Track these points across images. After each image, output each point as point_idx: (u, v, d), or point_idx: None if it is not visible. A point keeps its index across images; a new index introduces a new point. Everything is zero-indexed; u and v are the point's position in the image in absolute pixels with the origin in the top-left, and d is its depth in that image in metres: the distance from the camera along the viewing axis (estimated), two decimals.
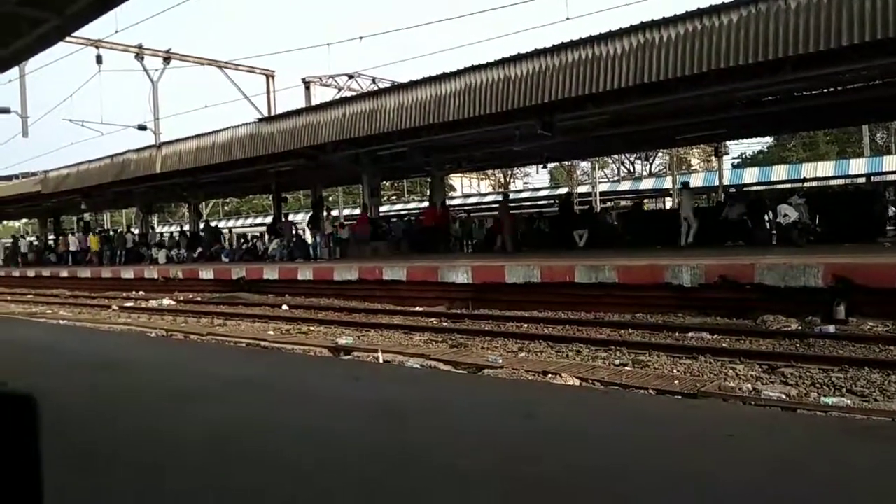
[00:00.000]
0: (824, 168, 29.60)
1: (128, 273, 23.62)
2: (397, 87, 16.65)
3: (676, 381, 6.44)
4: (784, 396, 5.81)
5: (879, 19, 9.45)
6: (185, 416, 3.82)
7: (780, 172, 30.77)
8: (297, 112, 18.94)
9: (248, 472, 2.80)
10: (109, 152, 25.21)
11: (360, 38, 30.87)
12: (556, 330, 10.21)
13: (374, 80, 25.09)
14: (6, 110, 22.14)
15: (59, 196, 29.28)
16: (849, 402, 5.54)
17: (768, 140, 40.91)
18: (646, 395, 5.87)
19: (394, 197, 49.51)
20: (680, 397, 5.77)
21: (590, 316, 11.24)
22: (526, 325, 10.77)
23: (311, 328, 11.71)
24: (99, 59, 21.30)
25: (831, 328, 8.73)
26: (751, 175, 31.96)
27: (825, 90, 14.30)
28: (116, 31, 21.18)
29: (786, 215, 14.35)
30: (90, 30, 22.73)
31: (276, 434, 3.39)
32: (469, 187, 51.18)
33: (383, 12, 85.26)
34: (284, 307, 15.03)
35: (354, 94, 21.87)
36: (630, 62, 11.80)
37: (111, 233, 34.35)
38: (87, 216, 40.95)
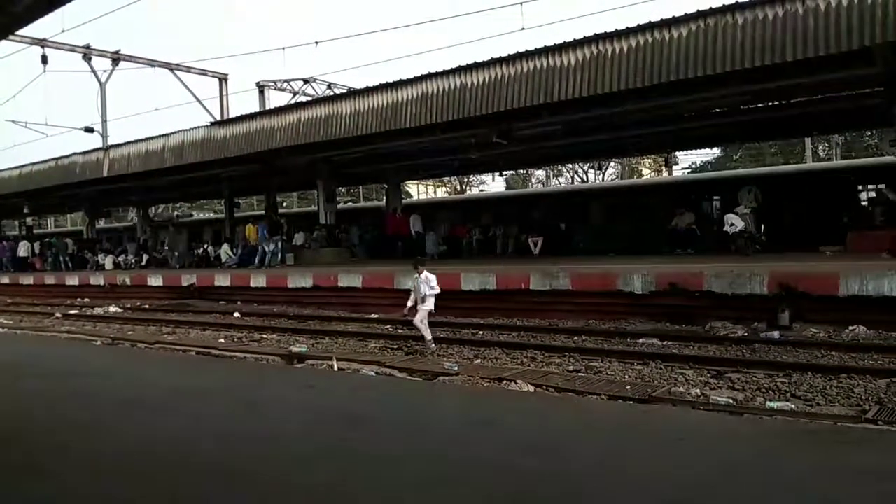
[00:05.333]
0: None
1: (73, 279, 22.89)
2: (353, 93, 16.56)
3: (628, 387, 6.55)
4: (731, 401, 5.96)
5: (822, 37, 9.82)
6: (131, 426, 3.72)
7: None
8: (251, 116, 18.65)
9: (196, 480, 2.74)
10: (55, 155, 24.44)
11: (316, 42, 30.63)
12: (511, 337, 10.28)
13: (329, 86, 24.93)
14: None
15: (1, 199, 28.23)
16: (793, 406, 5.71)
17: (716, 151, 42.01)
18: (598, 400, 5.95)
19: (349, 203, 49.17)
20: (632, 402, 5.86)
21: (544, 322, 11.35)
22: (481, 332, 10.81)
23: (264, 336, 11.53)
24: (44, 59, 20.71)
25: (776, 334, 8.99)
26: None
27: (770, 103, 14.77)
28: (63, 31, 20.55)
29: (732, 224, 14.75)
30: (35, 28, 22.06)
31: (227, 443, 3.32)
32: (425, 194, 51.22)
33: (339, 17, 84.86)
34: (236, 314, 14.77)
35: (310, 98, 21.70)
36: (584, 73, 11.99)
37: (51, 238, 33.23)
38: (30, 220, 39.56)
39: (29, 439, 3.46)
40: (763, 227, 15.84)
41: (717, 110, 15.35)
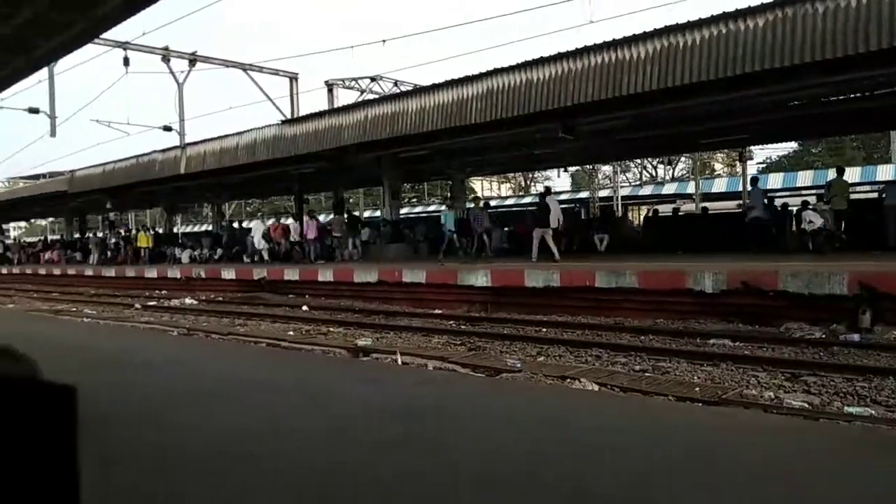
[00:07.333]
0: (851, 174, 29.15)
1: (151, 272, 23.91)
2: (419, 90, 16.70)
3: (697, 388, 6.38)
4: (807, 405, 5.73)
5: None
6: (202, 417, 3.86)
7: (805, 178, 30.40)
8: (320, 114, 19.05)
9: (264, 472, 2.82)
10: (135, 153, 25.57)
11: (384, 41, 30.95)
12: (575, 335, 10.17)
13: (396, 83, 25.18)
14: (35, 110, 22.52)
15: (85, 195, 29.70)
16: (873, 412, 5.45)
17: (793, 145, 40.43)
18: (666, 401, 5.82)
19: (414, 199, 49.62)
20: (700, 404, 5.71)
21: (609, 321, 11.19)
22: (545, 330, 10.74)
23: (331, 329, 11.77)
24: (126, 61, 21.59)
25: (856, 337, 8.61)
26: (775, 180, 31.58)
27: (852, 95, 14.10)
28: (144, 34, 21.53)
29: (811, 222, 14.16)
30: (118, 32, 23.08)
31: (293, 435, 3.41)
32: (489, 190, 51.20)
33: (406, 15, 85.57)
34: (304, 308, 15.13)
35: (377, 96, 21.98)
36: (654, 66, 11.73)
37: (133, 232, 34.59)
38: (112, 215, 41.51)
39: (100, 428, 3.63)
40: (843, 224, 15.14)
41: (795, 103, 14.76)
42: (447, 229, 17.30)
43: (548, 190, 16.57)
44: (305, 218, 22.63)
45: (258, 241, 22.95)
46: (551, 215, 15.23)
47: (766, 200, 17.19)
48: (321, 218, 25.88)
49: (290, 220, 22.59)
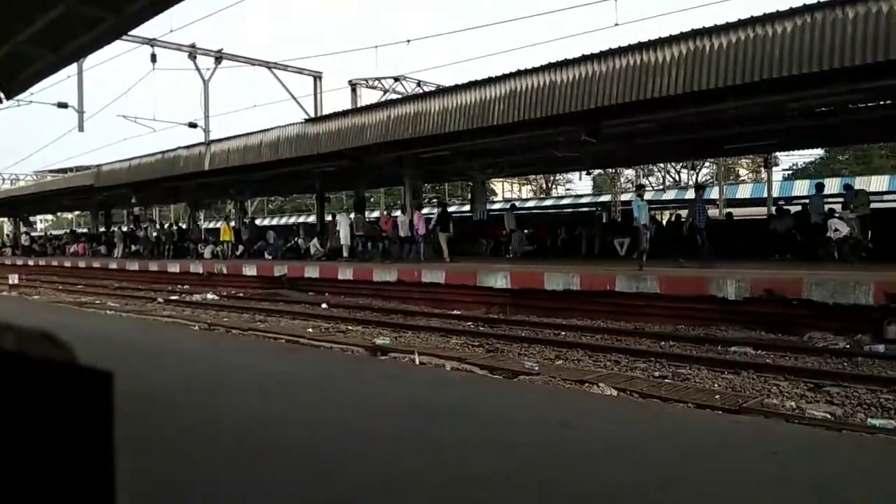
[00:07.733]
0: (878, 182, 28.63)
1: (174, 267, 24.16)
2: (442, 91, 16.70)
3: (717, 396, 6.32)
4: (829, 416, 5.65)
5: None
6: (221, 408, 3.89)
7: (831, 186, 29.92)
8: (343, 113, 19.13)
9: (276, 465, 2.84)
10: (161, 148, 25.85)
11: (408, 41, 30.86)
12: (595, 339, 10.11)
13: (419, 83, 25.22)
14: (64, 105, 22.88)
15: (111, 190, 30.04)
16: None
17: (819, 151, 39.83)
18: (685, 408, 5.77)
19: (434, 200, 49.61)
20: (721, 412, 5.65)
21: (630, 326, 11.11)
22: (563, 333, 10.69)
23: (350, 327, 11.82)
24: (153, 58, 21.84)
25: (881, 347, 8.47)
26: (801, 187, 31.13)
27: (881, 102, 13.87)
28: (171, 31, 21.57)
29: (836, 230, 13.94)
30: (146, 29, 23.36)
31: (308, 428, 3.43)
32: (510, 192, 51.07)
33: (430, 16, 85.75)
34: (324, 305, 15.20)
35: (399, 96, 22.02)
36: (680, 70, 11.62)
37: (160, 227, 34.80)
38: (136, 210, 41.99)
39: (132, 414, 3.67)
40: (870, 233, 14.89)
41: (823, 109, 14.54)
42: (640, 223, 14.01)
43: (445, 204, 20.20)
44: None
45: (345, 236, 20.72)
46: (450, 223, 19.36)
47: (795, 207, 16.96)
48: (341, 217, 25.71)
49: (398, 213, 20.53)
